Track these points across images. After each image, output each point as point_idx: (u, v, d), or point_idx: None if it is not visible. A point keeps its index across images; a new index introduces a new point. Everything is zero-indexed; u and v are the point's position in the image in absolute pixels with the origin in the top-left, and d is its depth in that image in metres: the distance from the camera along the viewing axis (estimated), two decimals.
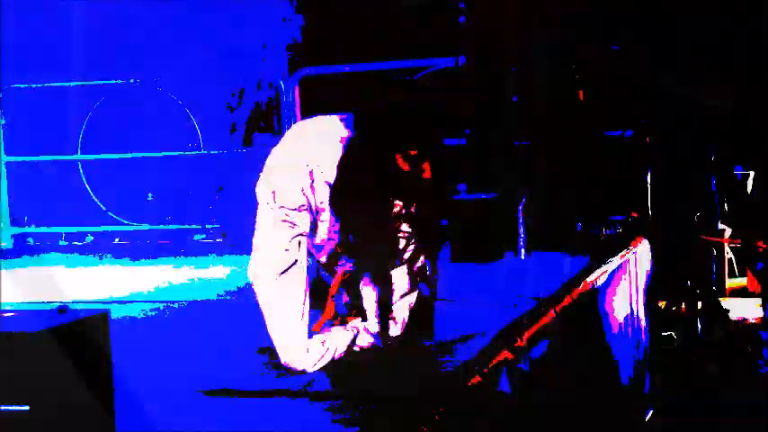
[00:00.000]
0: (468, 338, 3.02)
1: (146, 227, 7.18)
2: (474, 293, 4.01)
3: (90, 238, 7.49)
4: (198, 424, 2.26)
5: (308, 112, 7.08)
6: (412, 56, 6.68)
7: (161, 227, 7.18)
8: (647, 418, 3.08)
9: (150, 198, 8.39)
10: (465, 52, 5.58)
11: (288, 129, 6.61)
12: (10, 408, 1.48)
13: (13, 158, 7.43)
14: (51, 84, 7.45)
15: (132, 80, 7.27)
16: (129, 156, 7.49)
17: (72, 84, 7.39)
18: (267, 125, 8.54)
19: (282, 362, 2.68)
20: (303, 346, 2.65)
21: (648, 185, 5.75)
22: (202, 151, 7.36)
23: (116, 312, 3.83)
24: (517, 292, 3.91)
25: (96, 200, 7.47)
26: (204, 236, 7.00)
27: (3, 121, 7.36)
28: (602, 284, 4.18)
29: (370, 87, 7.58)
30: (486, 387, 2.55)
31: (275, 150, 2.88)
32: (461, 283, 4.36)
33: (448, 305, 3.68)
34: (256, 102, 8.71)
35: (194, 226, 7.06)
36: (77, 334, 1.57)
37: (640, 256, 5.00)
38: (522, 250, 4.98)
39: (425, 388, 2.45)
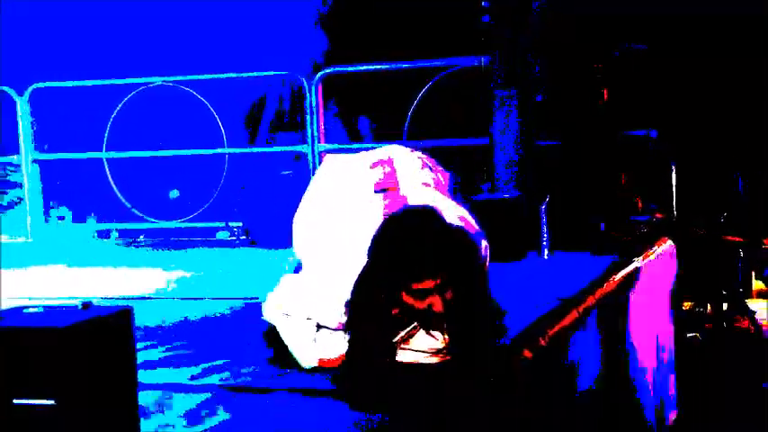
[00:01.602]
0: (488, 337, 3.00)
1: (170, 224, 7.22)
2: (495, 292, 4.00)
3: (115, 235, 7.55)
4: (219, 420, 2.28)
5: (330, 111, 7.10)
6: (434, 55, 6.67)
7: (185, 224, 7.22)
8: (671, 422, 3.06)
9: (174, 195, 8.45)
10: (489, 52, 5.56)
11: (311, 127, 6.65)
12: (36, 402, 1.49)
13: (40, 156, 7.50)
14: (78, 83, 7.51)
15: (157, 78, 7.32)
16: (153, 154, 7.53)
17: (98, 82, 7.45)
18: (290, 124, 8.57)
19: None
20: None
21: (673, 186, 5.72)
22: (226, 149, 7.39)
23: (139, 309, 3.85)
24: (539, 292, 3.89)
25: (121, 197, 7.53)
26: (228, 234, 7.03)
27: (31, 119, 7.43)
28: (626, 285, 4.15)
29: (392, 87, 7.59)
30: (505, 386, 2.54)
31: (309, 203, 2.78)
32: None
33: None
34: (280, 100, 8.74)
35: (218, 223, 7.09)
36: (101, 330, 1.58)
37: (665, 257, 4.96)
38: (545, 250, 4.96)
39: (444, 386, 2.45)
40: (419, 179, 2.86)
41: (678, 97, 5.85)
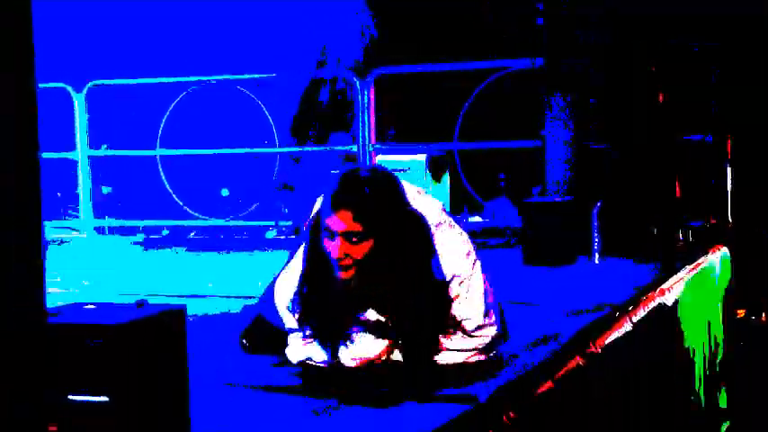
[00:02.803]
0: (539, 343, 2.98)
1: (220, 222, 7.29)
2: (546, 297, 3.97)
3: (166, 232, 7.65)
4: (270, 418, 2.29)
5: (381, 111, 7.10)
6: (487, 56, 6.64)
7: (235, 223, 7.29)
8: None
9: (225, 194, 8.53)
10: (542, 53, 5.51)
11: (362, 126, 6.66)
12: (90, 398, 1.51)
13: (95, 153, 7.63)
14: (133, 80, 7.63)
15: (210, 77, 7.39)
16: (205, 152, 7.61)
17: (152, 80, 7.56)
18: (341, 124, 8.60)
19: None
20: None
21: (729, 191, 5.62)
22: (277, 148, 7.44)
23: (190, 306, 3.90)
24: (590, 298, 3.85)
25: (173, 194, 7.62)
26: (276, 232, 7.08)
27: (86, 116, 7.56)
28: (677, 292, 4.09)
29: (444, 88, 7.57)
30: (557, 393, 2.51)
31: None
32: (533, 286, 4.32)
33: (519, 308, 3.64)
34: (331, 99, 8.78)
35: (268, 222, 7.14)
36: (155, 328, 1.60)
37: (718, 264, 4.87)
38: (596, 255, 4.90)
39: (494, 392, 2.43)
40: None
41: (734, 100, 5.74)
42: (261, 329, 2.94)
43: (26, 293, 1.23)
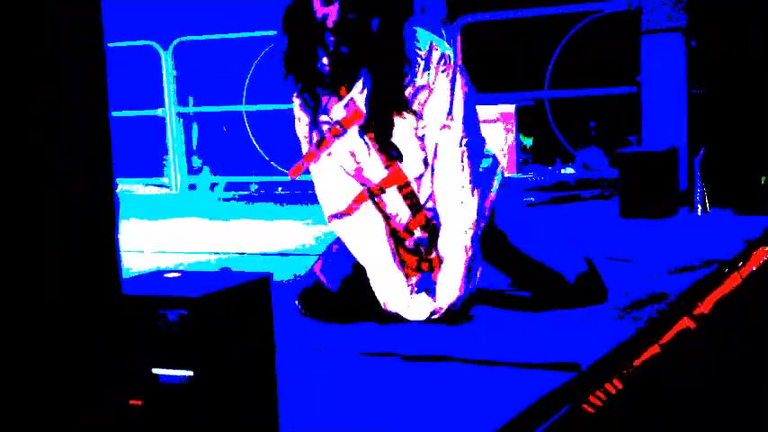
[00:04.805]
0: (642, 304, 2.81)
1: (307, 177, 7.25)
2: (646, 252, 3.78)
3: (254, 187, 7.66)
4: (359, 387, 2.21)
5: (469, 61, 6.89)
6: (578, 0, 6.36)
7: None
8: None
9: None
10: None
11: None
12: (174, 373, 1.44)
13: (182, 109, 7.66)
14: (219, 35, 7.60)
15: None
16: (291, 107, 7.55)
17: (237, 35, 7.51)
18: None
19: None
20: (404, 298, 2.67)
21: None
22: None
23: (277, 264, 3.85)
24: (694, 253, 3.65)
25: (260, 150, 7.61)
26: None
27: (174, 73, 7.58)
28: None
29: (533, 35, 7.31)
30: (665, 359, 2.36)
31: None
32: (632, 241, 4.13)
33: (618, 265, 3.48)
34: None
35: None
36: (240, 298, 1.52)
37: None
38: (699, 207, 4.66)
39: (598, 357, 2.29)
40: None
41: None
42: (318, 293, 2.86)
43: (98, 264, 1.15)
